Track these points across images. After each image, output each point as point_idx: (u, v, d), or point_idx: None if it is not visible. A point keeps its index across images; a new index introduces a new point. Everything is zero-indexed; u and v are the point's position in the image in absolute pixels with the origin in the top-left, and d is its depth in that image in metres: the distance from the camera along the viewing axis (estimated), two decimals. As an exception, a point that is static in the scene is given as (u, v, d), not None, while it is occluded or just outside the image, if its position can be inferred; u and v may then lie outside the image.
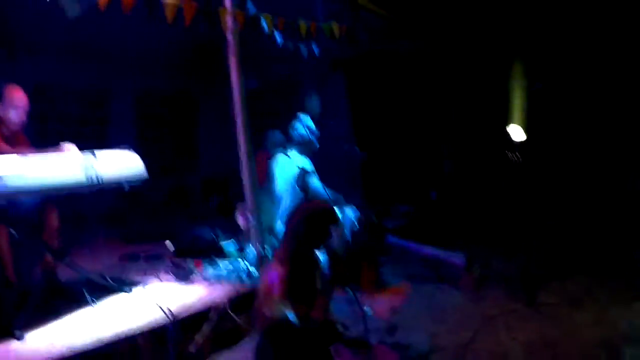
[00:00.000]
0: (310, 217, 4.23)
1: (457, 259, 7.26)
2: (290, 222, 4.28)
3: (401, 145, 9.84)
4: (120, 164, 5.71)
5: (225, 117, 6.50)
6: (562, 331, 5.39)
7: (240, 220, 6.70)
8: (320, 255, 5.61)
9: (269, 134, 8.14)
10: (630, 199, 8.11)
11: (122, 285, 5.86)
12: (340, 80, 10.39)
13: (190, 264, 6.63)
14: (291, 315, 3.92)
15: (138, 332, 4.72)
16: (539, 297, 6.24)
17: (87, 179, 5.03)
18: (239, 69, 6.19)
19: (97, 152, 5.29)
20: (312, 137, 6.78)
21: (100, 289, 5.67)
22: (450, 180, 9.68)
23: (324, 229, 4.23)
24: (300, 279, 4.11)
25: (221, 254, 6.91)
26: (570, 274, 7.08)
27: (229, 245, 6.93)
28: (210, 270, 6.44)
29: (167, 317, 4.93)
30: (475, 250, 7.51)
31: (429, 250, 7.70)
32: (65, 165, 4.94)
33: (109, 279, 5.90)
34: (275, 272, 4.08)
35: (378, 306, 6.23)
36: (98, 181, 5.11)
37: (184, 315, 5.12)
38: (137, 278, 6.38)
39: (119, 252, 7.87)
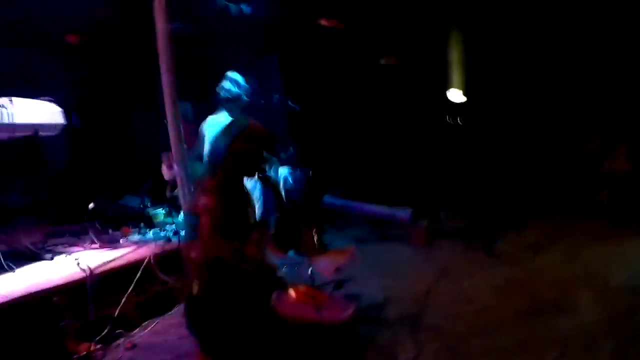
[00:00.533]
0: (241, 138, 3.47)
1: (403, 213, 6.61)
2: (217, 143, 3.51)
3: (341, 117, 9.13)
4: (38, 110, 5.39)
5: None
6: (528, 273, 4.87)
7: (165, 171, 5.89)
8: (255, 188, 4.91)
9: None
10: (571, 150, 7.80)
11: (44, 253, 5.24)
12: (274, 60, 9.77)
13: (116, 231, 5.97)
14: (224, 252, 3.27)
15: (53, 288, 4.11)
16: (498, 246, 5.64)
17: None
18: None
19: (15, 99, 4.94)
20: (240, 92, 6.07)
21: (21, 258, 5.06)
22: (391, 148, 8.96)
23: (257, 153, 3.47)
24: (230, 211, 3.34)
25: (150, 222, 6.17)
26: (525, 224, 6.56)
27: (157, 212, 6.05)
28: (137, 237, 5.76)
29: (85, 273, 4.32)
30: (422, 206, 6.76)
31: (372, 207, 7.03)
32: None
33: (30, 247, 5.28)
34: (202, 203, 3.31)
35: (322, 266, 5.53)
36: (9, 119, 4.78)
37: (104, 271, 4.49)
38: (61, 249, 5.59)
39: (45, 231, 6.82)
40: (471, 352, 3.37)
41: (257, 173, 3.60)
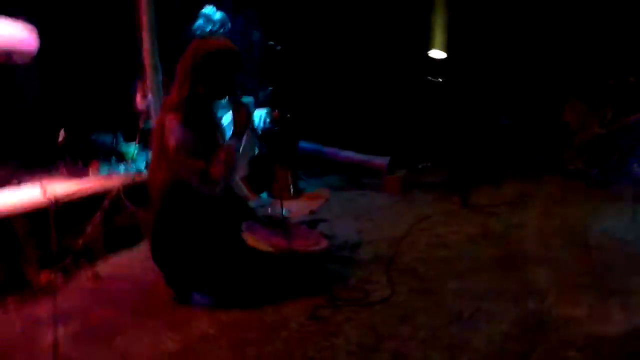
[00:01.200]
0: (210, 53, 3.30)
1: (379, 160, 6.49)
2: (184, 57, 3.34)
3: (322, 62, 9.00)
4: (9, 31, 4.98)
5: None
6: (504, 225, 4.80)
7: (139, 101, 5.69)
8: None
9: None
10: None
11: (8, 181, 4.97)
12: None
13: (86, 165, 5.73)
14: (189, 172, 3.19)
15: (15, 213, 3.89)
16: (473, 199, 5.54)
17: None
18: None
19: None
20: (214, 28, 5.87)
21: None
22: (371, 98, 8.87)
23: (226, 71, 3.31)
24: (196, 130, 3.18)
25: (122, 158, 6.02)
26: (501, 181, 6.54)
27: (129, 147, 5.87)
28: (107, 170, 5.56)
29: (49, 199, 4.08)
30: (400, 156, 6.67)
31: (348, 154, 6.91)
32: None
33: None
34: (166, 119, 3.15)
35: (295, 208, 5.46)
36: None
37: (69, 200, 4.26)
38: (28, 178, 5.29)
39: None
40: (446, 294, 3.29)
41: (226, 95, 3.44)
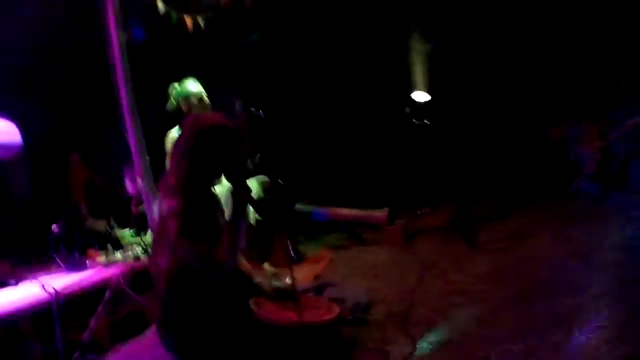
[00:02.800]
0: (204, 131, 3.17)
1: (378, 213, 6.36)
2: (180, 139, 3.21)
3: (305, 122, 9.01)
4: None
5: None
6: (515, 258, 4.67)
7: (128, 185, 5.55)
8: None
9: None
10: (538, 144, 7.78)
11: (8, 279, 4.91)
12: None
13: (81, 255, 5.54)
14: (193, 257, 2.96)
15: (17, 313, 3.81)
16: (479, 237, 5.37)
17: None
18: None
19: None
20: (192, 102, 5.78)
21: None
22: (360, 151, 8.86)
23: (223, 148, 3.17)
24: (198, 213, 3.03)
25: (118, 244, 5.71)
26: (505, 215, 6.36)
27: (124, 233, 5.75)
28: (104, 258, 5.36)
29: (51, 295, 3.96)
30: (397, 205, 6.54)
31: (346, 211, 6.78)
32: None
33: None
34: (166, 206, 3.01)
35: (300, 275, 5.29)
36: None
37: (71, 293, 4.16)
38: (26, 275, 5.18)
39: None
40: (470, 344, 3.08)
41: (226, 176, 3.30)
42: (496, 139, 8.26)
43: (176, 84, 5.33)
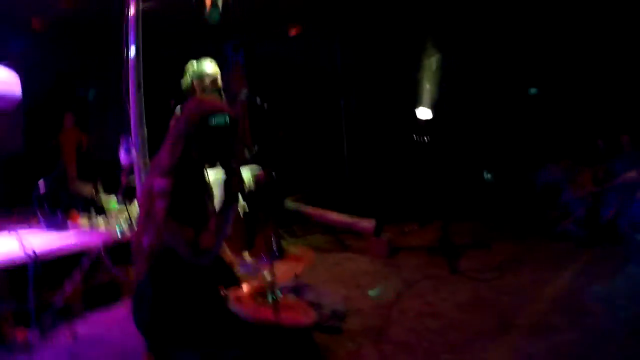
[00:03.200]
0: (205, 117, 3.14)
1: (366, 223, 6.35)
2: (177, 119, 3.18)
3: (306, 122, 9.04)
4: None
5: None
6: (495, 292, 4.64)
7: (122, 156, 5.51)
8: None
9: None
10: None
11: None
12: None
13: (64, 215, 5.59)
14: (178, 240, 2.92)
15: None
16: (462, 265, 5.43)
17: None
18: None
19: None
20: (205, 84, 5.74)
21: None
22: (357, 159, 8.87)
23: (222, 136, 3.15)
24: (187, 196, 3.01)
25: (101, 210, 5.80)
26: (489, 244, 6.36)
27: (109, 200, 5.71)
28: (86, 222, 5.37)
29: (28, 253, 3.95)
30: (385, 218, 6.54)
31: (334, 215, 6.77)
32: None
33: None
34: (157, 185, 2.98)
35: (280, 271, 5.23)
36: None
37: (49, 256, 4.12)
38: (5, 229, 5.25)
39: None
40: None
41: (221, 164, 3.28)
42: (492, 167, 8.22)
43: (194, 62, 5.27)
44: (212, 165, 3.25)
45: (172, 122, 3.11)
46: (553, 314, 3.98)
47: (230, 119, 3.17)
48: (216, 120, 3.10)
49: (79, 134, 9.16)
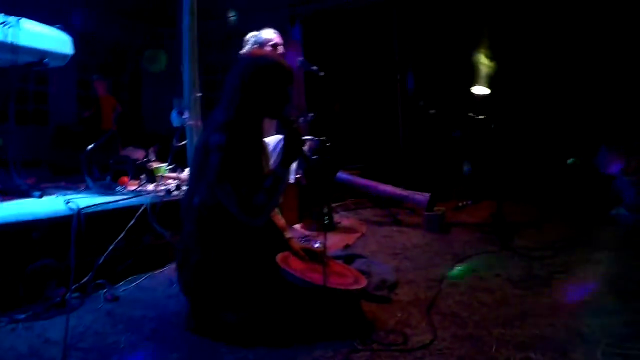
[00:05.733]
0: (259, 70, 3.10)
1: (420, 197, 6.27)
2: (232, 74, 3.15)
3: (359, 102, 9.02)
4: (46, 35, 5.09)
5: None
6: (549, 270, 4.53)
7: (174, 119, 5.53)
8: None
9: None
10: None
11: (33, 190, 5.01)
12: (297, 35, 9.60)
13: (113, 179, 5.71)
14: (231, 198, 2.95)
15: (35, 222, 3.80)
16: (514, 243, 5.37)
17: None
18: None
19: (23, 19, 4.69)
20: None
21: (9, 193, 4.90)
22: (413, 133, 8.80)
23: (276, 89, 3.11)
24: (242, 152, 2.98)
25: (152, 176, 5.91)
26: (543, 223, 6.35)
27: (160, 166, 5.76)
28: (135, 186, 5.53)
29: (73, 212, 3.96)
30: (440, 193, 6.47)
31: (388, 187, 6.71)
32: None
33: (21, 183, 5.07)
34: (211, 139, 2.96)
35: (331, 241, 5.24)
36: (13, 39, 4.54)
37: (94, 214, 4.15)
38: (53, 189, 5.35)
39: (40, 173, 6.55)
40: (490, 342, 3.02)
41: (276, 114, 3.24)
42: (550, 148, 8.29)
43: (255, 32, 5.28)
44: (271, 117, 3.20)
45: (227, 78, 3.07)
46: (606, 295, 3.86)
47: (285, 67, 3.14)
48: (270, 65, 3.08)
49: (113, 101, 9.29)
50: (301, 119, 6.07)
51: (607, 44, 7.96)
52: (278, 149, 4.39)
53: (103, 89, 9.21)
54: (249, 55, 3.57)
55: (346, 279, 3.26)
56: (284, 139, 3.09)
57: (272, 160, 3.65)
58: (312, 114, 6.10)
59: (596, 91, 8.06)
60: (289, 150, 3.06)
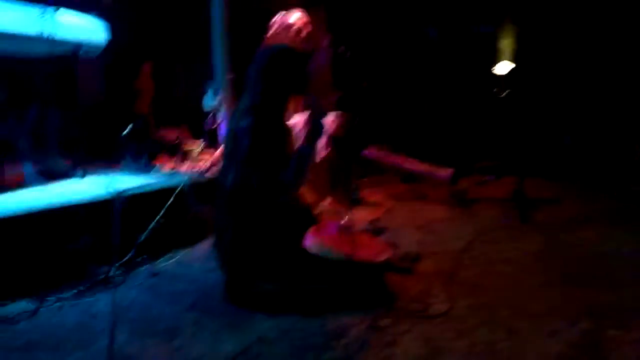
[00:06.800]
0: (278, 53, 3.36)
1: (442, 172, 6.46)
2: (254, 60, 3.40)
3: (389, 73, 9.11)
4: (82, 25, 5.18)
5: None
6: (567, 244, 4.72)
7: (207, 101, 5.73)
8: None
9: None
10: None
11: (75, 170, 5.15)
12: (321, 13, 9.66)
13: (149, 160, 5.85)
14: (259, 176, 3.24)
15: (78, 204, 3.99)
16: (534, 218, 5.52)
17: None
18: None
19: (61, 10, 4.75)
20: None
21: (52, 175, 5.01)
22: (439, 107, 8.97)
23: (295, 70, 3.36)
24: (269, 134, 3.24)
25: (186, 156, 6.06)
26: (563, 198, 6.49)
27: (193, 147, 5.96)
28: (171, 165, 5.69)
29: (113, 193, 4.18)
30: (463, 167, 6.64)
31: (412, 163, 6.89)
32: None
33: (63, 165, 5.21)
34: (240, 123, 3.22)
35: (357, 216, 5.44)
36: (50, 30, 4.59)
37: (133, 193, 4.36)
38: (93, 170, 5.46)
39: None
40: (505, 311, 3.24)
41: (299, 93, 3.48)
42: (571, 129, 8.29)
43: (282, 12, 5.38)
44: (297, 94, 3.44)
45: (249, 69, 3.32)
46: (621, 270, 4.02)
47: (296, 51, 3.39)
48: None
49: (152, 83, 9.42)
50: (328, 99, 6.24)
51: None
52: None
53: (148, 70, 9.36)
54: (264, 44, 3.82)
55: (372, 250, 3.50)
56: (308, 117, 3.35)
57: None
58: (340, 93, 6.26)
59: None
60: (312, 128, 3.31)
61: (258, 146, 3.16)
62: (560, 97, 8.36)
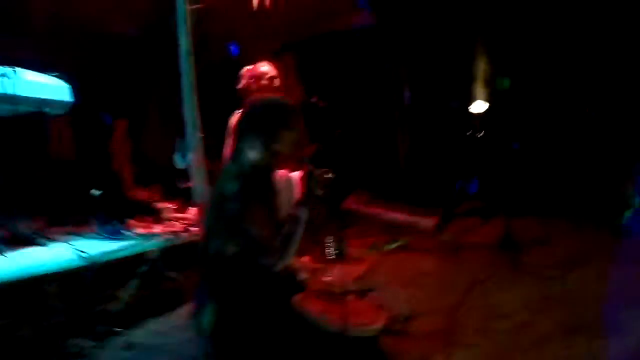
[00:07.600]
0: (270, 110, 3.17)
1: (426, 222, 6.29)
2: (243, 120, 3.20)
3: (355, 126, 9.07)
4: (43, 84, 5.29)
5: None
6: (564, 289, 4.55)
7: (177, 160, 5.57)
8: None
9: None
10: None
11: (40, 238, 5.01)
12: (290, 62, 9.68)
13: (120, 222, 5.68)
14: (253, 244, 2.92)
15: (46, 275, 3.86)
16: (526, 262, 5.32)
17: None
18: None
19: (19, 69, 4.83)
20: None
21: (15, 242, 4.89)
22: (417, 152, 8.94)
23: (289, 127, 3.16)
24: (258, 199, 3.02)
25: (159, 217, 5.76)
26: (550, 239, 6.17)
27: (167, 207, 5.78)
28: (143, 228, 5.46)
29: (82, 261, 4.10)
30: (446, 215, 6.46)
31: (394, 214, 6.73)
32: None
33: (26, 232, 5.09)
34: (227, 186, 3.01)
35: (340, 274, 5.21)
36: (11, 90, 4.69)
37: (104, 262, 4.22)
38: (60, 236, 5.31)
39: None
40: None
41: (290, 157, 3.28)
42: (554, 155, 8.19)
43: (250, 66, 5.31)
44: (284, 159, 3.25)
45: (233, 124, 3.13)
46: (622, 312, 3.83)
47: (290, 106, 3.19)
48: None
49: (128, 140, 9.29)
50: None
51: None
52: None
53: (123, 128, 9.22)
54: (255, 99, 3.63)
55: (365, 317, 3.28)
56: (303, 180, 3.14)
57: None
58: (314, 145, 6.13)
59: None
60: (307, 190, 3.10)
61: (247, 213, 2.93)
62: (543, 132, 8.24)
